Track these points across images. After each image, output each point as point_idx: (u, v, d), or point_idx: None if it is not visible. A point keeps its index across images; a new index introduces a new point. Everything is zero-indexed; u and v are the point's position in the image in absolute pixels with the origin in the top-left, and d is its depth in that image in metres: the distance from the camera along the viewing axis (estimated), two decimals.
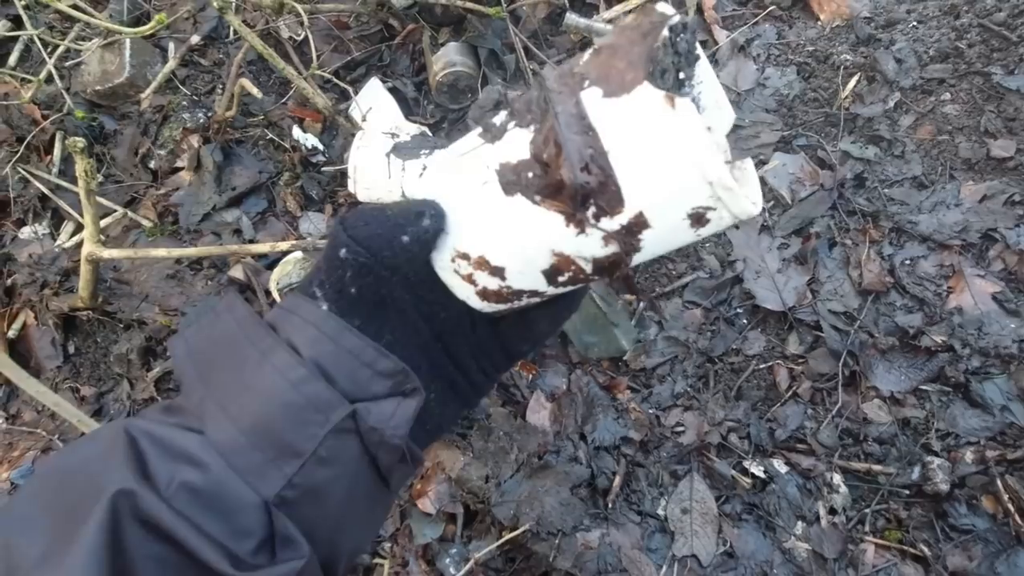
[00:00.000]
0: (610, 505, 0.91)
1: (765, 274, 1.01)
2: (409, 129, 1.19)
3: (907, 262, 0.96)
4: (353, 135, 1.27)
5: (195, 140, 1.25)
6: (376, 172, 1.07)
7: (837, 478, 0.87)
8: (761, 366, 0.97)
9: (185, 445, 0.29)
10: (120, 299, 1.15)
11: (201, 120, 1.29)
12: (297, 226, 1.25)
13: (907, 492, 0.84)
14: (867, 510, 0.84)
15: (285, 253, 1.12)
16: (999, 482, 0.80)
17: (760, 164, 1.10)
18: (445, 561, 0.91)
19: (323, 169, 1.27)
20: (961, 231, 0.95)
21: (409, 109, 1.29)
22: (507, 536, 0.88)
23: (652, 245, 0.30)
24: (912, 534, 0.82)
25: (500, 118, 0.32)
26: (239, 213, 1.23)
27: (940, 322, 0.90)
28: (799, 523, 0.86)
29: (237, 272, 1.15)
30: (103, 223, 1.22)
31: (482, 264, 0.33)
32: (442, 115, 1.27)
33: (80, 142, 0.84)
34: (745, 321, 1.01)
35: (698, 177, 0.26)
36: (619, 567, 0.86)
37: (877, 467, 0.86)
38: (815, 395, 0.93)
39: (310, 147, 1.27)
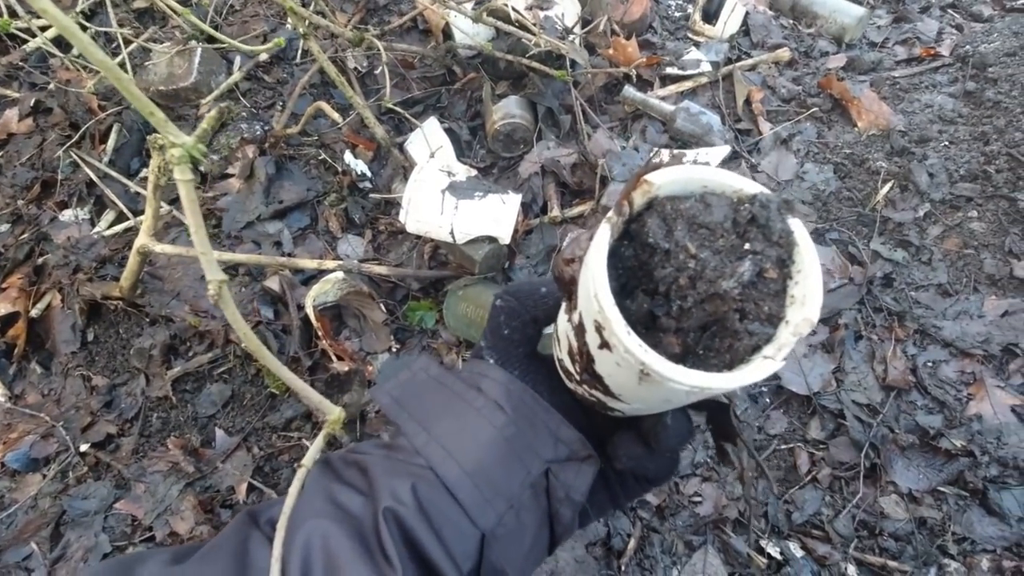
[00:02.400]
0: (623, 568, 0.90)
1: (792, 357, 1.03)
2: (461, 170, 1.23)
3: (929, 364, 1.00)
4: (404, 167, 1.31)
5: (251, 151, 1.28)
6: (429, 207, 1.10)
7: (852, 569, 0.87)
8: (782, 447, 0.98)
9: (420, 475, 0.34)
10: (151, 294, 1.15)
11: (258, 132, 1.33)
12: (335, 246, 1.27)
13: None
14: None
15: (325, 272, 1.13)
16: None
17: None
18: None
19: (369, 195, 1.30)
20: (983, 342, 0.99)
21: (461, 151, 1.33)
22: None
23: (603, 364, 0.30)
24: None
25: None
26: (281, 226, 1.25)
27: (960, 426, 0.93)
28: None
29: (273, 283, 1.15)
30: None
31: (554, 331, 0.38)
32: (493, 161, 1.32)
33: (161, 139, 0.87)
34: (768, 400, 1.03)
35: (592, 290, 0.28)
36: None
37: (893, 563, 0.86)
38: (834, 482, 0.95)
39: (359, 173, 1.31)
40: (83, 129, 1.28)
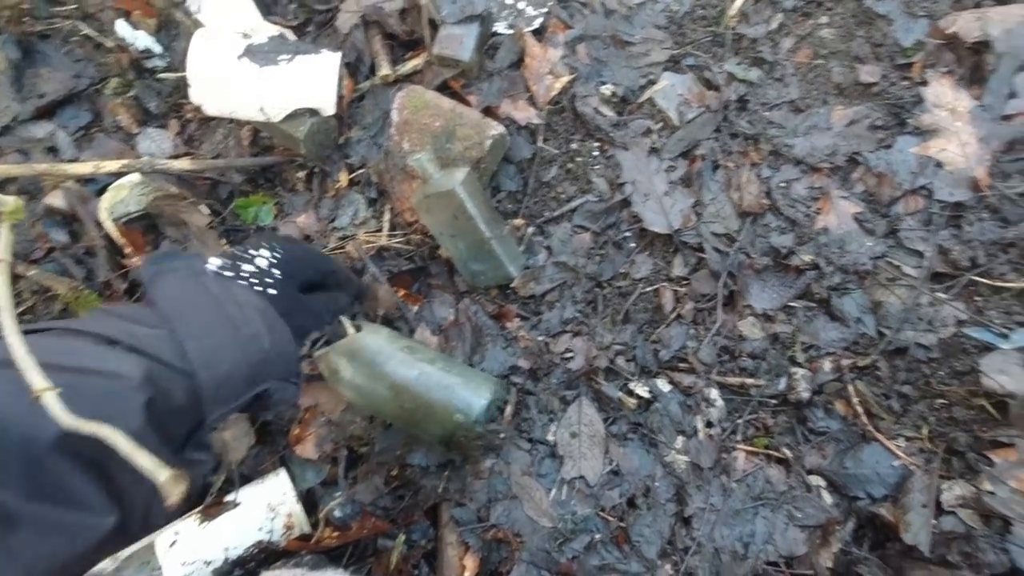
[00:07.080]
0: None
1: (653, 197, 1.00)
2: (265, 30, 1.02)
3: (782, 184, 0.99)
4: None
5: None
6: (225, 81, 0.91)
7: (714, 393, 0.91)
8: (648, 289, 0.98)
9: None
10: None
11: None
12: (135, 145, 1.06)
13: (774, 402, 0.90)
14: (739, 421, 0.90)
15: (117, 176, 0.94)
16: (850, 387, 0.87)
17: (649, 84, 1.07)
18: (330, 505, 0.86)
19: (161, 76, 1.07)
20: (830, 155, 0.98)
21: (268, 9, 1.10)
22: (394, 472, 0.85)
23: None
24: (777, 439, 0.88)
25: None
26: (53, 127, 1.02)
27: (808, 242, 0.95)
28: (679, 437, 0.89)
29: (56, 199, 0.95)
30: None
31: None
32: (307, 16, 1.10)
33: None
34: (633, 244, 1.00)
35: None
36: (509, 494, 0.85)
37: (749, 380, 0.90)
38: (697, 315, 0.96)
39: (142, 48, 1.06)
40: None
